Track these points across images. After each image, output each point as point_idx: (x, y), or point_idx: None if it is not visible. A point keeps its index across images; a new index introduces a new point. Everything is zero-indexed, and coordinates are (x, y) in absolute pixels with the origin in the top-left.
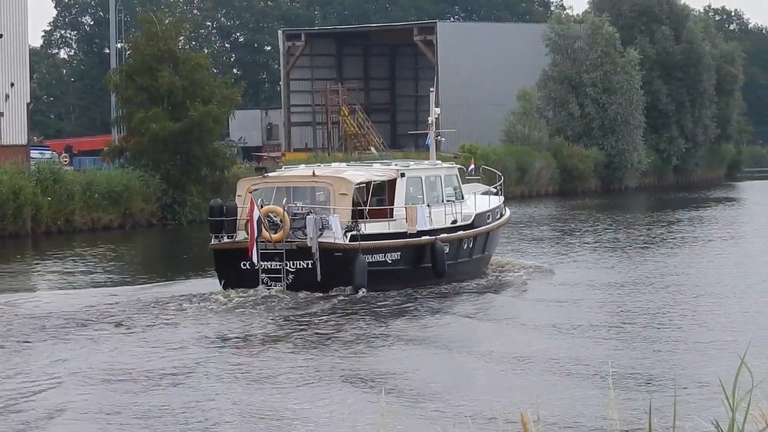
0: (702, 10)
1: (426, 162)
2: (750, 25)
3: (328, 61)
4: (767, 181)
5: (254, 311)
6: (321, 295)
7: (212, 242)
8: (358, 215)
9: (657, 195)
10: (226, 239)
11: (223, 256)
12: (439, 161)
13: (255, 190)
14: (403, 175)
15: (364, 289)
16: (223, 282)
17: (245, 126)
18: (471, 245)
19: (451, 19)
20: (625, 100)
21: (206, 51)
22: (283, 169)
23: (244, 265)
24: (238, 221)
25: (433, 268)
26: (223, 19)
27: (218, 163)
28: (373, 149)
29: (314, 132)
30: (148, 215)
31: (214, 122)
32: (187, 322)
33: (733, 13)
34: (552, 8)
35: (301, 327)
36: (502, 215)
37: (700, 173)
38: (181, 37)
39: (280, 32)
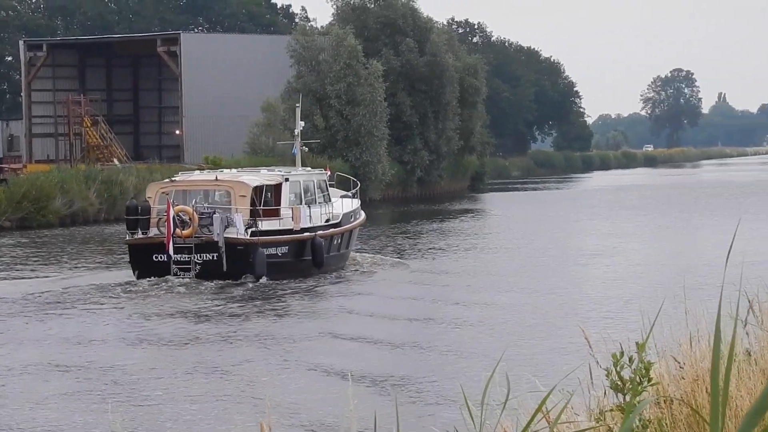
0: (445, 23)
1: (302, 169)
2: (493, 38)
3: (71, 72)
4: (509, 193)
5: (170, 297)
6: (225, 282)
7: (128, 238)
8: (255, 214)
9: (401, 207)
10: (140, 235)
11: (137, 249)
12: (309, 168)
13: (164, 192)
14: (287, 179)
15: (265, 277)
16: (136, 272)
17: None
18: (340, 241)
19: (195, 30)
20: (369, 112)
21: None
22: (180, 174)
23: (157, 257)
24: (151, 219)
25: (313, 260)
26: None
27: None
28: (116, 161)
29: (57, 143)
30: None
31: None
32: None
33: (476, 26)
34: (296, 20)
35: (205, 316)
36: (359, 216)
37: (443, 185)
38: None
39: (21, 42)
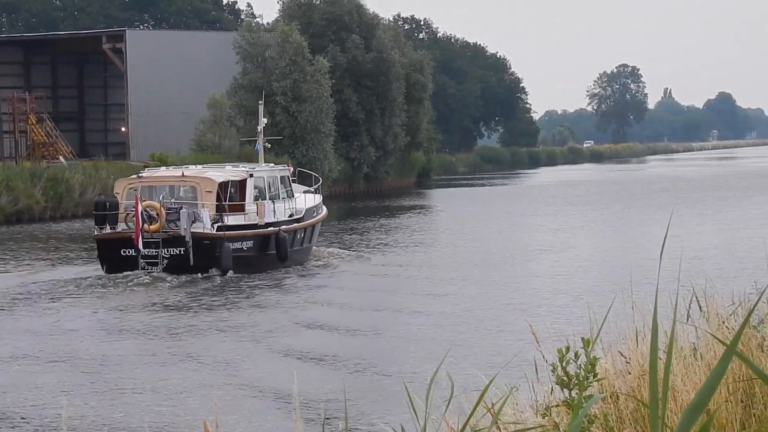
0: (392, 19)
1: (265, 165)
2: (439, 34)
3: (15, 69)
4: (456, 189)
5: (136, 291)
6: (192, 276)
7: (96, 233)
8: (221, 209)
9: (348, 203)
10: (109, 230)
11: (106, 244)
12: (272, 164)
13: (131, 188)
14: (251, 175)
15: (231, 271)
16: (105, 267)
17: None
18: (303, 235)
19: (141, 27)
20: (315, 109)
21: None
22: (145, 171)
23: (125, 251)
24: (119, 215)
25: (277, 254)
26: None
27: None
28: (61, 158)
29: (1, 141)
30: None
31: None
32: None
33: (422, 22)
34: (242, 16)
35: (172, 309)
36: (321, 211)
37: (390, 181)
38: None
39: None
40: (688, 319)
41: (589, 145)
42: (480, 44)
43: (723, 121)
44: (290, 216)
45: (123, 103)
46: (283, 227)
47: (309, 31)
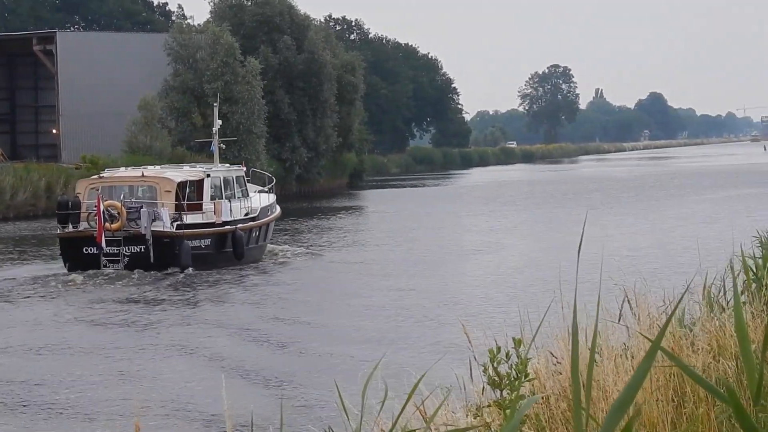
0: (323, 20)
1: (221, 165)
2: (370, 35)
3: None
4: (388, 190)
5: (104, 288)
6: (153, 273)
7: (59, 231)
8: (180, 208)
9: (281, 204)
10: (71, 228)
11: (68, 242)
12: (228, 164)
13: (93, 188)
14: (209, 175)
15: (191, 268)
16: (67, 265)
17: None
18: (258, 233)
19: (72, 29)
20: (247, 110)
21: None
22: (106, 171)
23: (87, 249)
24: (81, 214)
25: (234, 252)
26: None
27: None
28: None
29: None
30: None
31: None
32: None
33: (353, 23)
34: (173, 18)
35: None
36: (275, 210)
37: (322, 182)
38: None
39: None
40: (620, 319)
41: (511, 145)
42: (411, 45)
43: (654, 121)
44: (246, 215)
45: (54, 105)
46: (240, 226)
47: (240, 33)
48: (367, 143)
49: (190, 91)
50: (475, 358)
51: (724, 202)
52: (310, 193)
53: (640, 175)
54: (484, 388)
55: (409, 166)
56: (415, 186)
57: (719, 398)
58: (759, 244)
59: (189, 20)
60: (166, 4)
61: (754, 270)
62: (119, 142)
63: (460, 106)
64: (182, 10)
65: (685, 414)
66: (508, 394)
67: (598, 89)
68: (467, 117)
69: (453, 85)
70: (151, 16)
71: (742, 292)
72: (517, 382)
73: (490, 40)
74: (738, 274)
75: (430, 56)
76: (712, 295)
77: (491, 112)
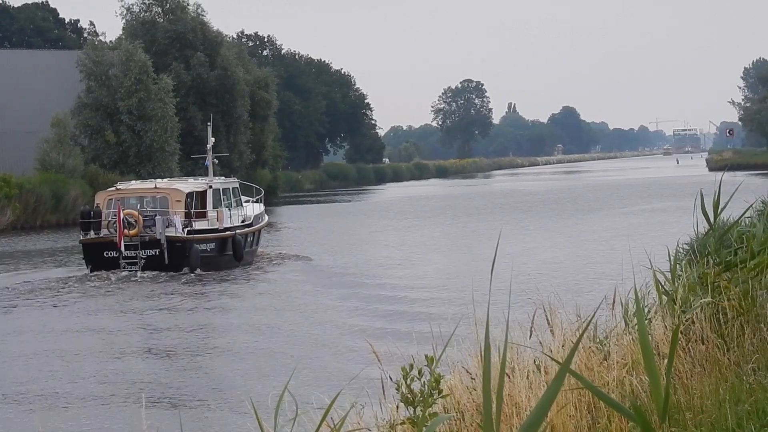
0: (236, 36)
1: (217, 178)
2: (283, 51)
3: None
4: (302, 206)
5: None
6: (167, 274)
7: (81, 237)
8: (189, 216)
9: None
10: (93, 234)
11: (91, 247)
12: (223, 177)
13: (110, 198)
14: (211, 187)
15: (199, 269)
16: (90, 266)
17: None
18: (252, 238)
19: None
20: (161, 127)
21: None
22: (119, 184)
23: (107, 253)
24: (101, 222)
25: (234, 255)
26: None
27: None
28: None
29: None
30: None
31: None
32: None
33: (266, 39)
34: (85, 35)
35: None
36: (264, 218)
37: None
38: None
39: None
40: (531, 335)
41: (416, 161)
42: (324, 61)
43: (568, 135)
44: (242, 222)
45: None
46: (238, 231)
47: (153, 49)
48: (281, 159)
49: (103, 108)
50: (390, 378)
51: (639, 215)
52: None
53: (553, 189)
54: (398, 405)
55: (323, 182)
56: (330, 201)
57: (627, 417)
58: (668, 258)
59: (101, 37)
60: (78, 21)
61: (663, 285)
62: (32, 160)
63: (373, 122)
64: (94, 26)
65: (599, 429)
66: (421, 410)
67: (511, 104)
68: (381, 132)
69: (366, 101)
70: (63, 33)
71: (654, 310)
72: (430, 399)
73: (403, 56)
74: (648, 291)
75: (342, 72)
76: (628, 309)
77: (405, 128)
